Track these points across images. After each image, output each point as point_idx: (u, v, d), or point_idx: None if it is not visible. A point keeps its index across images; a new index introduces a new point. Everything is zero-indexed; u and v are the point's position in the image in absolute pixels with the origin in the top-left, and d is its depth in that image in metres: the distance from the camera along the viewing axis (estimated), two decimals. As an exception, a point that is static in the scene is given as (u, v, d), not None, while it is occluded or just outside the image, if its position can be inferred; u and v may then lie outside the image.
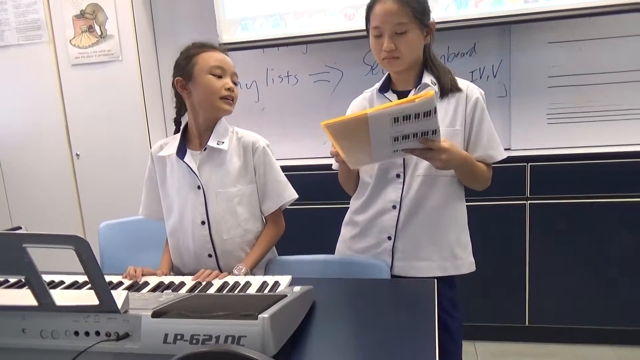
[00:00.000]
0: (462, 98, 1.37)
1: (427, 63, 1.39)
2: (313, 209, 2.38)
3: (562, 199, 2.25)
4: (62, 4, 2.61)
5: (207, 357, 0.62)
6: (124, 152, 2.68)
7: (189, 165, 1.39)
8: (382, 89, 1.43)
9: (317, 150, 2.66)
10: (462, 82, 1.40)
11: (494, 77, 2.49)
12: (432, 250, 1.40)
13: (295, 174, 2.35)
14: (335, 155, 1.28)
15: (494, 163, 1.42)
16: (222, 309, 0.86)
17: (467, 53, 2.49)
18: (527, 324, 2.37)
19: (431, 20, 1.35)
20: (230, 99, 1.38)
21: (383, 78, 1.45)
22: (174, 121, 1.50)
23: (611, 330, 2.31)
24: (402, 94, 1.39)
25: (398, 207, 1.40)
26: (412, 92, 1.37)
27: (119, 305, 0.85)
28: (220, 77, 1.36)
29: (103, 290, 0.82)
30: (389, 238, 1.42)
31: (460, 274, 1.43)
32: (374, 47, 1.36)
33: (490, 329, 2.41)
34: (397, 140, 1.18)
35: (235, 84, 1.41)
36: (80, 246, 0.75)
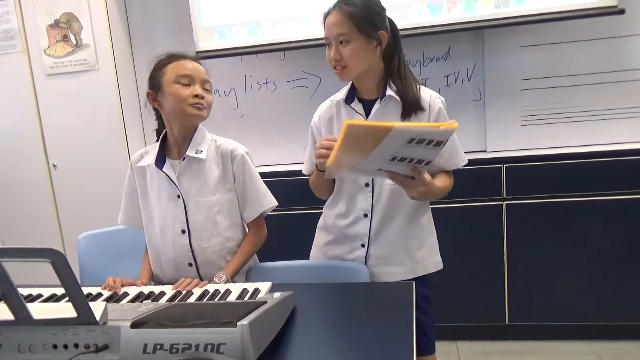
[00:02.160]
0: (425, 107, 1.39)
1: (391, 73, 1.40)
2: (293, 215, 2.39)
3: (538, 198, 2.30)
4: (35, 13, 2.58)
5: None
6: (102, 161, 2.66)
7: (168, 175, 1.39)
8: (348, 99, 1.44)
9: (296, 156, 2.67)
10: (424, 92, 1.42)
11: (469, 80, 2.54)
12: (403, 255, 1.46)
13: (275, 180, 2.37)
14: (319, 156, 1.28)
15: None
16: (201, 318, 0.87)
17: (442, 57, 2.54)
18: (506, 322, 2.41)
19: (381, 31, 1.35)
20: (200, 105, 1.36)
21: (348, 86, 1.47)
22: (156, 132, 1.50)
23: (588, 325, 2.36)
24: (367, 103, 1.42)
25: (369, 215, 1.44)
26: (377, 102, 1.40)
27: (97, 316, 0.84)
28: (188, 85, 1.35)
29: (81, 302, 0.82)
30: (363, 245, 1.46)
31: (428, 273, 1.49)
32: (327, 55, 1.38)
33: (471, 328, 2.45)
34: (394, 159, 1.20)
35: (207, 90, 1.39)
36: (57, 259, 0.75)
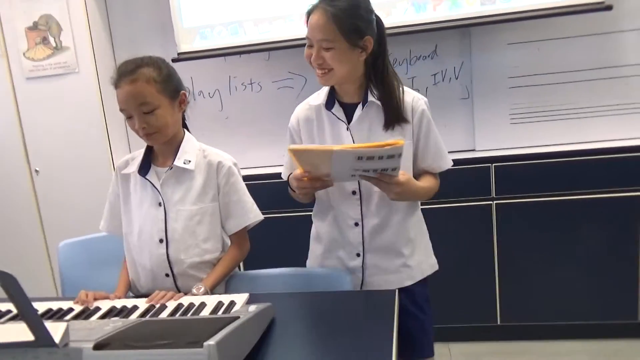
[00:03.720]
0: (407, 111, 1.35)
1: (373, 78, 1.35)
2: (279, 218, 2.35)
3: (528, 198, 2.28)
4: (13, 15, 2.52)
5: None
6: (84, 166, 2.61)
7: (151, 182, 1.36)
8: (329, 104, 1.39)
9: (282, 158, 2.62)
10: (407, 93, 1.38)
11: (456, 79, 2.50)
12: (399, 262, 1.42)
13: (261, 183, 2.33)
14: (299, 178, 1.27)
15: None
16: (169, 337, 0.83)
17: (428, 56, 2.50)
18: (498, 322, 2.38)
19: (367, 37, 1.28)
20: (149, 134, 1.31)
21: (326, 89, 1.41)
22: None
23: (580, 325, 2.34)
24: (349, 107, 1.38)
25: (360, 224, 1.40)
26: (359, 107, 1.35)
27: (57, 339, 0.80)
28: (130, 116, 1.30)
29: (36, 325, 0.77)
30: (358, 255, 1.42)
31: (426, 276, 1.46)
32: (305, 54, 1.32)
33: (463, 329, 2.42)
34: (357, 171, 1.21)
35: (149, 112, 1.28)
36: (7, 281, 0.70)
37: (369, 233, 1.40)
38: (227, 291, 1.42)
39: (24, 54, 2.55)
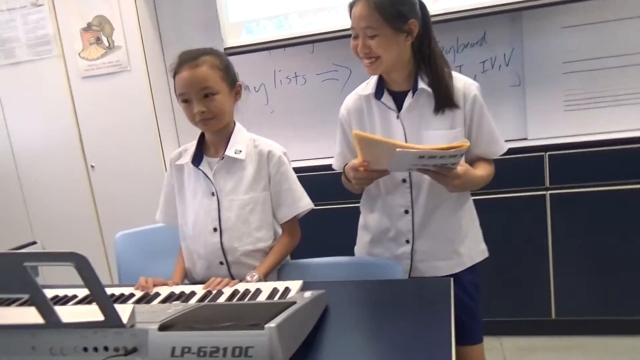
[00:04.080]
0: (459, 98, 1.33)
1: (422, 63, 1.33)
2: (326, 210, 2.36)
3: (584, 187, 2.19)
4: (69, 17, 2.64)
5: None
6: (137, 161, 2.70)
7: (204, 172, 1.39)
8: (378, 93, 1.38)
9: (328, 150, 2.61)
10: (458, 79, 1.35)
11: (507, 66, 2.43)
12: (449, 249, 1.42)
13: (308, 175, 2.34)
14: (356, 169, 1.26)
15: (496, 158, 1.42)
16: (229, 319, 0.84)
17: (477, 43, 2.43)
18: (553, 317, 2.31)
19: (411, 20, 1.28)
20: (205, 120, 1.33)
21: (375, 79, 1.40)
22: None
23: (638, 320, 2.23)
24: (398, 96, 1.36)
25: (411, 211, 1.39)
26: (409, 95, 1.34)
27: (125, 319, 0.83)
28: (188, 100, 1.32)
29: (107, 305, 0.81)
30: (407, 242, 1.42)
31: (475, 262, 1.45)
32: (351, 46, 1.33)
33: (515, 323, 2.36)
34: (416, 165, 1.21)
35: (210, 96, 1.31)
36: (80, 263, 0.73)
37: (419, 220, 1.40)
38: (279, 279, 1.43)
39: (79, 54, 2.66)
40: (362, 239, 1.54)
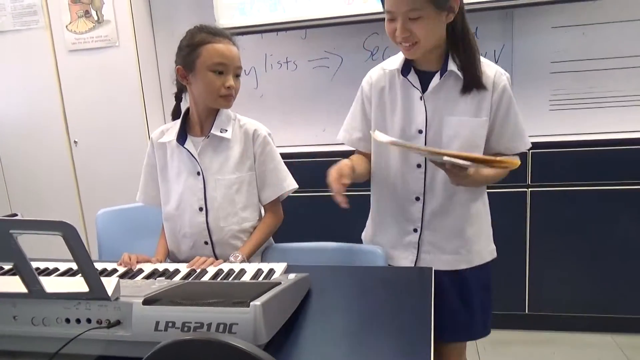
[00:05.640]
0: (488, 85, 1.27)
1: (454, 44, 1.26)
2: (312, 197, 2.36)
3: (564, 186, 2.23)
4: (57, -12, 2.58)
5: (193, 344, 0.61)
6: (121, 138, 2.66)
7: (189, 151, 1.38)
8: (404, 70, 1.31)
9: (316, 137, 2.64)
10: (489, 66, 1.29)
11: (496, 62, 2.40)
12: (458, 243, 1.37)
13: (295, 161, 2.33)
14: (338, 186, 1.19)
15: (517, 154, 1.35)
16: (214, 297, 0.85)
17: (468, 38, 2.45)
18: (526, 311, 2.36)
19: None
20: (230, 96, 1.35)
21: (402, 56, 1.31)
22: (173, 111, 1.47)
23: (611, 318, 2.30)
24: (425, 75, 1.29)
25: (422, 198, 1.34)
26: (437, 76, 1.28)
27: (110, 292, 0.83)
28: (221, 72, 1.32)
29: (93, 277, 0.81)
30: (415, 230, 1.37)
31: (484, 262, 1.41)
32: (388, 30, 1.24)
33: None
34: (437, 159, 1.17)
35: (238, 77, 1.37)
36: (68, 232, 0.73)
37: (430, 209, 1.34)
38: (262, 262, 1.44)
39: (66, 26, 2.61)
40: (371, 223, 1.49)
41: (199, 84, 1.34)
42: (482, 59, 1.29)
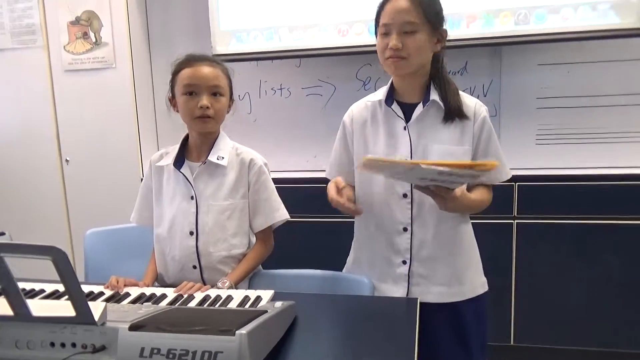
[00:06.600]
0: (469, 114, 1.32)
1: (435, 76, 1.33)
2: (303, 222, 2.37)
3: (549, 219, 2.27)
4: (57, 9, 2.61)
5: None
6: (114, 159, 2.67)
7: (185, 176, 1.40)
8: (388, 100, 1.35)
9: (307, 163, 2.67)
10: (468, 97, 1.35)
11: (484, 96, 2.52)
12: (448, 274, 1.37)
13: (286, 187, 2.35)
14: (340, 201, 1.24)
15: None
16: (200, 324, 0.86)
17: (458, 72, 2.52)
18: (512, 343, 2.36)
19: (444, 28, 1.30)
20: (205, 117, 1.35)
21: (386, 87, 1.38)
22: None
23: (596, 352, 2.31)
24: (408, 107, 1.34)
25: (409, 229, 1.35)
26: (419, 106, 1.32)
27: (96, 317, 0.84)
28: (193, 93, 1.34)
29: (80, 301, 0.81)
30: (404, 262, 1.37)
31: (476, 295, 1.40)
32: (380, 46, 1.30)
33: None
34: (423, 180, 1.18)
35: (217, 96, 1.36)
36: (58, 257, 0.74)
37: (418, 240, 1.34)
38: (250, 288, 1.45)
39: (64, 47, 2.64)
40: (357, 255, 1.48)
41: (180, 109, 1.39)
42: (460, 92, 1.35)
